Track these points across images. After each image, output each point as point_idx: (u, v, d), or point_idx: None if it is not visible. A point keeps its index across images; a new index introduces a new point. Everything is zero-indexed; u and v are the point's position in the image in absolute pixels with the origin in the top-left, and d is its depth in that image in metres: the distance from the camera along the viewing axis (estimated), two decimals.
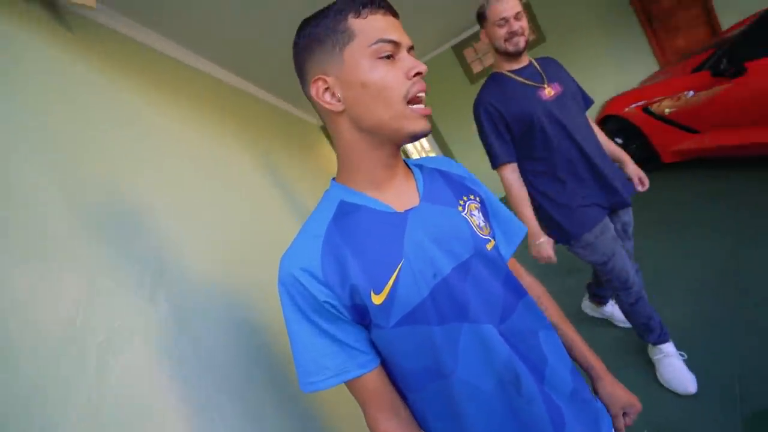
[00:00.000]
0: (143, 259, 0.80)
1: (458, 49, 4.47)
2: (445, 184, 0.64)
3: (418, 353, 0.55)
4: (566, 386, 0.60)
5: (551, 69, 1.38)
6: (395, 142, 0.56)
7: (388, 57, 0.52)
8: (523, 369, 0.55)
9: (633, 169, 1.50)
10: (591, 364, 0.70)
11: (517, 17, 1.23)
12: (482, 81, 4.63)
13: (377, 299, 0.53)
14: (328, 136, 4.97)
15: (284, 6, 1.82)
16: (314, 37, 0.53)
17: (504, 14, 1.22)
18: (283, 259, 0.56)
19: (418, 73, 0.53)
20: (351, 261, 0.53)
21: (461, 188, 0.65)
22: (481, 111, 1.34)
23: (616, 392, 0.68)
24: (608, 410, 0.68)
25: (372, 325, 0.55)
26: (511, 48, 1.26)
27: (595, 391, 0.70)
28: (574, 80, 1.44)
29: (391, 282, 0.53)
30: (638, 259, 1.54)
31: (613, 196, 1.35)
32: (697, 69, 2.45)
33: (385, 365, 0.58)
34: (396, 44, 0.52)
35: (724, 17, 3.98)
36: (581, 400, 0.61)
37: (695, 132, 2.59)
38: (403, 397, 0.60)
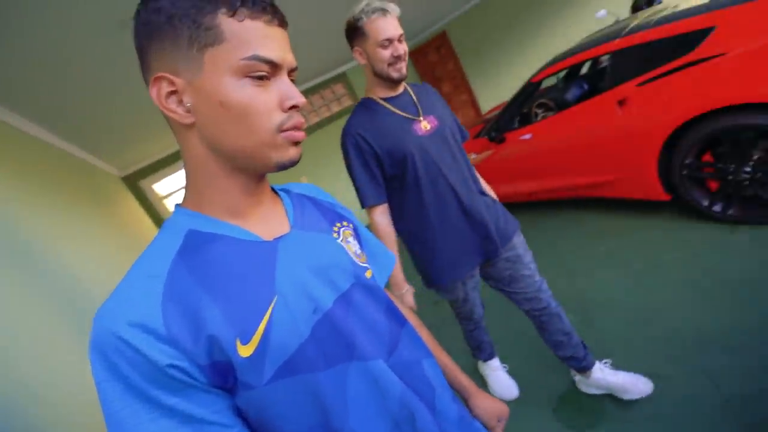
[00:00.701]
0: None
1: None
2: (316, 209, 0.57)
3: (302, 411, 0.44)
4: (453, 413, 0.58)
5: (427, 99, 1.23)
6: (257, 172, 0.47)
7: (262, 78, 0.42)
8: (417, 404, 0.51)
9: None
10: (463, 385, 0.72)
11: (400, 39, 1.10)
12: (327, 127, 4.93)
13: (245, 350, 0.40)
14: (132, 188, 4.15)
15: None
16: (166, 20, 0.39)
17: (388, 34, 1.06)
18: (99, 314, 0.37)
19: (294, 106, 0.44)
20: (208, 305, 0.40)
21: (333, 215, 0.59)
22: (349, 143, 1.15)
23: (489, 405, 0.71)
24: (485, 424, 0.69)
25: (238, 386, 0.41)
26: (395, 74, 1.11)
27: (469, 409, 0.71)
28: (451, 112, 1.31)
29: (262, 325, 0.41)
30: None
31: (486, 245, 1.23)
32: (477, 136, 3.20)
33: None
34: (275, 66, 0.42)
35: (482, 102, 5.52)
36: (467, 424, 0.61)
37: None
38: None
